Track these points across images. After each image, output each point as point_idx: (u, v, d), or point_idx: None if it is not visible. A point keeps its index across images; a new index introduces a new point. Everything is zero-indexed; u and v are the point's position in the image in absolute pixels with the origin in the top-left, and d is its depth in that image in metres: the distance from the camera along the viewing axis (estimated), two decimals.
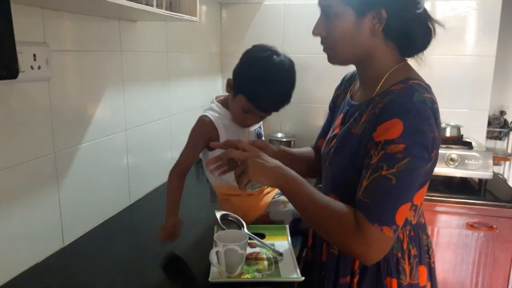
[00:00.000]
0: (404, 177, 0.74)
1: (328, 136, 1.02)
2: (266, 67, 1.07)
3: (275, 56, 1.08)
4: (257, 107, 1.10)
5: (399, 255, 0.88)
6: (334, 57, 0.90)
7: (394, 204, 0.75)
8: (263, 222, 1.24)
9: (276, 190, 1.29)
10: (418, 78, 0.84)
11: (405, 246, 0.88)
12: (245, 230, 1.09)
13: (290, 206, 1.22)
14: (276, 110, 1.13)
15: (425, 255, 0.91)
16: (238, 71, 1.12)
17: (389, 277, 0.87)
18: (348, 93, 1.02)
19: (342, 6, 0.82)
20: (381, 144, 0.76)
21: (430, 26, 0.85)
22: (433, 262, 0.94)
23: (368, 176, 0.76)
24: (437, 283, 0.97)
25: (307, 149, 1.24)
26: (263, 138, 1.33)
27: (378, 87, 0.85)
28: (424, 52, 0.88)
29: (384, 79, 0.85)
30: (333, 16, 0.84)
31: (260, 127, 1.31)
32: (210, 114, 1.17)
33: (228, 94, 1.20)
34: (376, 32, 0.82)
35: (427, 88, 0.81)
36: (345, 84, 1.10)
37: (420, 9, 0.82)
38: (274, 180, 0.86)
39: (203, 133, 1.15)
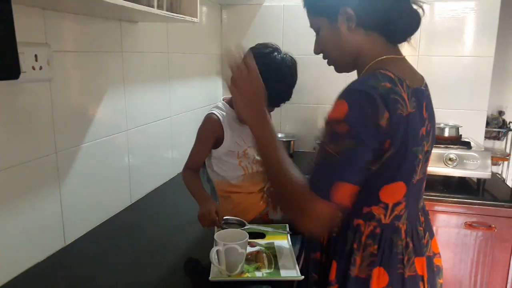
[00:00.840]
0: (345, 155, 0.75)
1: None
2: (268, 63, 1.08)
3: (276, 53, 1.12)
4: None
5: (355, 245, 0.86)
6: (336, 66, 0.95)
7: (330, 177, 0.76)
8: (262, 220, 1.25)
9: None
10: (393, 70, 0.81)
11: (363, 239, 0.86)
12: (247, 226, 1.11)
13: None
14: (277, 105, 1.15)
15: (394, 261, 0.86)
16: None
17: (335, 260, 0.88)
18: None
19: (317, 19, 0.90)
20: (329, 122, 0.78)
21: (414, 6, 0.86)
22: (412, 276, 0.86)
23: (317, 151, 0.80)
24: None
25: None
26: None
27: (358, 77, 0.89)
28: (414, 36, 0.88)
29: (364, 70, 0.87)
30: (317, 31, 0.92)
31: None
32: (216, 112, 1.21)
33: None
34: (352, 29, 0.85)
35: (393, 80, 0.79)
36: None
37: None
38: (254, 115, 0.87)
39: (210, 130, 1.19)
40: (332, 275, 0.87)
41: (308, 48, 2.31)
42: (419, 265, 0.89)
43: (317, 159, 0.79)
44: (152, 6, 1.14)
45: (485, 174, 1.69)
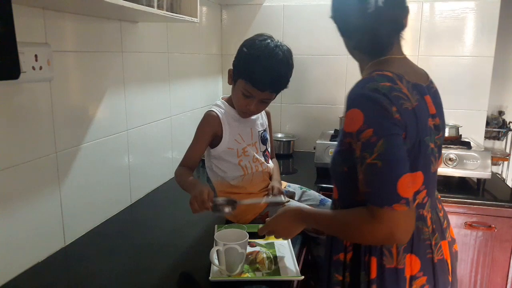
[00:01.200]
0: (386, 156, 0.78)
1: None
2: (261, 47, 1.12)
3: (270, 40, 1.14)
4: (254, 84, 1.12)
5: None
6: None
7: (390, 183, 0.78)
8: (262, 221, 1.24)
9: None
10: (392, 69, 0.87)
11: None
12: (247, 237, 1.01)
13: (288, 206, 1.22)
14: (273, 89, 1.15)
15: (423, 247, 0.89)
16: (236, 57, 1.18)
17: (369, 254, 0.89)
18: None
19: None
20: (354, 135, 0.82)
21: (395, 18, 0.89)
22: (440, 260, 0.92)
23: (360, 169, 0.82)
24: (449, 282, 0.95)
25: None
26: (267, 142, 1.33)
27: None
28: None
29: (364, 70, 0.94)
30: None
31: (265, 130, 1.32)
32: (215, 109, 1.22)
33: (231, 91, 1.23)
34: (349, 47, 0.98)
35: (392, 78, 0.84)
36: None
37: (370, 8, 0.86)
38: (296, 226, 0.99)
39: (209, 127, 1.20)
40: (373, 272, 0.89)
41: (308, 48, 2.32)
42: (445, 249, 0.94)
43: (365, 176, 0.80)
44: (152, 6, 1.14)
45: (485, 174, 1.69)
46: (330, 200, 1.36)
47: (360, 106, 0.81)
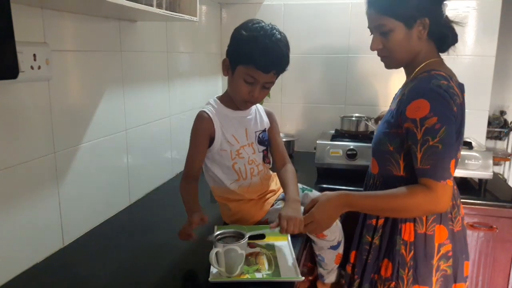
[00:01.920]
0: (446, 140, 0.96)
1: None
2: (257, 28, 1.07)
3: (263, 23, 1.09)
4: (257, 66, 1.05)
5: None
6: (391, 63, 1.13)
7: (446, 163, 0.97)
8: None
9: (275, 197, 1.27)
10: (443, 70, 1.05)
11: None
12: (246, 238, 1.00)
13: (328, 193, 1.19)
14: (278, 68, 1.09)
15: (447, 219, 1.08)
16: (231, 44, 1.12)
17: (408, 222, 1.08)
18: None
19: (394, 22, 1.04)
20: (418, 121, 0.98)
21: (453, 26, 1.10)
22: (459, 231, 1.10)
23: (419, 149, 0.98)
24: (466, 251, 1.14)
25: None
26: (267, 145, 1.26)
27: (413, 75, 1.09)
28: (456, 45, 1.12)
29: (418, 69, 1.08)
30: (387, 32, 1.06)
31: (263, 131, 1.25)
32: (207, 109, 1.16)
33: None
34: (423, 36, 1.06)
35: (446, 78, 1.02)
36: None
37: (444, 14, 1.08)
38: (340, 213, 1.07)
39: (203, 129, 1.14)
40: (406, 234, 1.08)
41: (308, 48, 2.31)
42: (461, 223, 1.12)
43: (425, 155, 0.97)
44: (151, 5, 1.13)
45: (486, 174, 1.68)
46: None
47: (427, 97, 0.97)
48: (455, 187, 1.13)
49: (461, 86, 1.06)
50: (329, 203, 1.04)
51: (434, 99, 0.97)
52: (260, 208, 1.22)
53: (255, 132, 1.22)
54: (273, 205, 1.24)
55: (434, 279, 1.08)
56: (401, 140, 1.05)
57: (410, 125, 1.00)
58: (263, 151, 1.24)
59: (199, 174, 1.17)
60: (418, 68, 1.08)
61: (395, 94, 1.19)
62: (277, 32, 1.08)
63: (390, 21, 1.04)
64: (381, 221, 1.13)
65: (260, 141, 1.23)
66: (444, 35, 1.08)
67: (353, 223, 1.24)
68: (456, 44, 1.11)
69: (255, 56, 1.05)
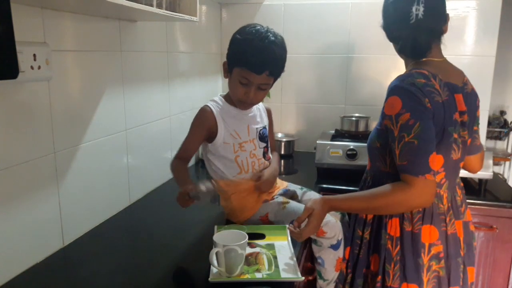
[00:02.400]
0: (421, 136, 0.98)
1: None
2: (252, 32, 1.12)
3: (260, 26, 1.15)
4: (250, 67, 1.10)
5: None
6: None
7: (423, 157, 0.98)
8: (263, 222, 1.24)
9: (276, 192, 1.29)
10: (428, 68, 1.06)
11: None
12: (246, 238, 0.99)
13: (288, 208, 1.22)
14: (270, 69, 1.12)
15: (438, 220, 1.08)
16: (229, 48, 1.18)
17: (394, 218, 1.10)
18: None
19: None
20: (393, 118, 1.01)
21: (432, 27, 1.08)
22: (453, 234, 1.09)
23: (397, 146, 1.01)
24: (469, 256, 1.14)
25: None
26: (268, 140, 1.30)
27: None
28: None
29: (408, 68, 1.13)
30: None
31: (265, 127, 1.29)
32: (210, 104, 1.21)
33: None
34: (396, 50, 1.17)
35: (427, 76, 1.03)
36: None
37: (412, 20, 1.06)
38: (323, 216, 1.08)
39: (203, 121, 1.19)
40: (392, 229, 1.10)
41: (308, 48, 2.31)
42: (458, 227, 1.11)
43: (402, 151, 0.99)
44: (151, 5, 1.13)
45: (486, 174, 1.68)
46: None
47: (399, 94, 1.01)
48: (459, 191, 1.14)
49: (449, 85, 1.06)
50: (318, 214, 1.07)
51: (405, 95, 1.00)
52: (261, 199, 1.25)
53: (256, 128, 1.27)
54: (272, 198, 1.27)
55: (424, 278, 1.07)
56: (387, 137, 1.07)
57: (388, 122, 1.03)
58: (263, 147, 1.28)
59: (190, 158, 1.23)
60: (409, 65, 1.13)
61: None
62: (271, 35, 1.12)
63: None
64: (370, 216, 1.17)
65: (261, 138, 1.27)
66: (417, 44, 1.09)
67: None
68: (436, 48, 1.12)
69: (247, 58, 1.10)
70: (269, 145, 1.31)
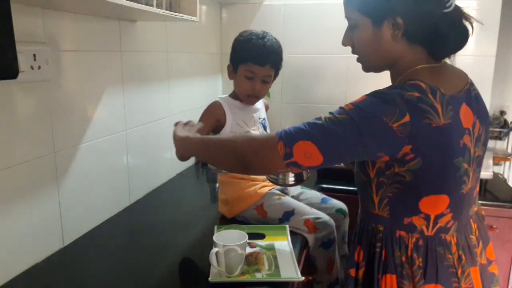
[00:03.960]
0: (329, 124, 0.77)
1: None
2: (251, 33, 1.27)
3: (256, 30, 1.29)
4: (254, 60, 1.23)
5: (403, 259, 0.84)
6: (365, 66, 0.93)
7: (300, 132, 0.79)
8: (257, 212, 1.25)
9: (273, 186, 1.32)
10: (425, 80, 0.80)
11: (409, 253, 0.84)
12: (246, 238, 0.99)
13: (284, 200, 1.26)
14: (272, 61, 1.25)
15: (446, 276, 0.83)
16: (232, 51, 1.30)
17: (390, 274, 0.85)
18: None
19: (360, 17, 0.85)
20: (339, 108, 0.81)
21: (465, 24, 0.84)
22: None
23: (306, 123, 0.81)
24: None
25: None
26: (267, 129, 1.40)
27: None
28: (458, 52, 0.88)
29: (400, 78, 0.86)
30: (354, 27, 0.88)
31: (265, 119, 1.40)
32: (219, 99, 1.31)
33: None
34: (397, 38, 0.83)
35: (423, 90, 0.78)
36: None
37: (448, 8, 0.80)
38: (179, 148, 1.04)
39: (213, 112, 1.28)
40: None
41: (308, 48, 2.31)
42: (475, 276, 0.86)
43: (304, 124, 0.81)
44: (151, 5, 1.13)
45: (486, 174, 1.68)
46: (331, 198, 1.38)
47: (370, 96, 0.78)
48: (474, 226, 0.91)
49: (453, 100, 0.80)
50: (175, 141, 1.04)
51: (374, 100, 0.77)
52: (258, 189, 1.28)
53: (259, 118, 1.38)
54: (271, 189, 1.30)
55: None
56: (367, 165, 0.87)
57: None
58: None
59: None
60: (401, 77, 0.86)
61: None
62: (268, 35, 1.27)
63: (356, 14, 0.85)
64: (361, 271, 0.90)
65: (263, 127, 1.39)
66: (441, 38, 0.83)
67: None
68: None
69: (251, 53, 1.24)
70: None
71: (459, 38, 0.84)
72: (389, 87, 0.82)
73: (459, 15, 0.84)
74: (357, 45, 0.89)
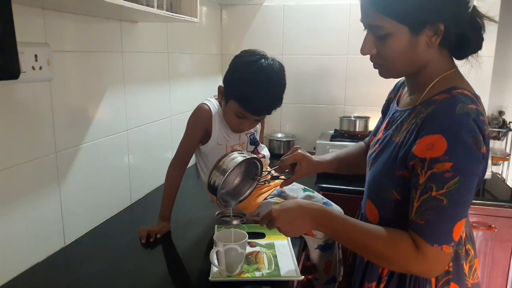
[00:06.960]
0: (455, 196, 0.72)
1: (374, 140, 1.00)
2: (255, 70, 1.08)
3: (263, 60, 1.10)
4: (249, 110, 1.11)
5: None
6: (388, 73, 0.87)
7: (449, 224, 0.74)
8: (254, 221, 1.24)
9: (270, 192, 1.29)
10: (465, 87, 0.79)
11: None
12: (247, 238, 1.00)
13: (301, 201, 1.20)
14: (269, 112, 1.14)
15: (461, 273, 0.84)
16: (228, 77, 1.15)
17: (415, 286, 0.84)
18: (396, 98, 0.99)
19: (396, 25, 0.78)
20: (427, 163, 0.73)
21: (480, 22, 0.81)
22: (474, 284, 0.87)
23: (418, 197, 0.75)
24: None
25: (356, 146, 1.21)
26: (258, 145, 1.31)
27: (423, 95, 0.83)
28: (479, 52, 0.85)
29: (429, 87, 0.82)
30: (385, 36, 0.80)
31: (254, 132, 1.30)
32: (208, 103, 1.20)
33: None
34: (433, 45, 0.80)
35: (473, 99, 0.76)
36: (398, 89, 1.04)
37: (470, 8, 0.79)
38: (306, 226, 0.88)
39: (200, 119, 1.18)
40: None
41: (308, 48, 2.31)
42: (478, 269, 0.88)
43: (423, 207, 0.74)
44: (152, 6, 1.14)
45: (485, 174, 1.68)
46: (333, 204, 1.28)
47: (447, 134, 0.72)
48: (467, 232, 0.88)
49: (479, 100, 0.80)
50: (295, 209, 0.87)
51: (455, 134, 0.72)
52: (254, 199, 1.24)
53: (247, 134, 1.28)
54: (266, 198, 1.27)
55: None
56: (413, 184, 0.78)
57: (415, 163, 0.76)
58: (253, 149, 1.29)
59: (188, 161, 1.23)
60: (431, 85, 0.82)
61: (390, 117, 0.95)
62: (274, 75, 1.09)
63: (390, 22, 0.77)
64: (382, 285, 0.89)
65: (252, 142, 1.29)
66: (465, 40, 0.80)
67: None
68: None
69: (248, 100, 1.09)
70: (259, 148, 1.32)
71: (479, 39, 0.82)
72: (449, 105, 0.76)
73: (476, 13, 0.81)
74: (385, 53, 0.82)
